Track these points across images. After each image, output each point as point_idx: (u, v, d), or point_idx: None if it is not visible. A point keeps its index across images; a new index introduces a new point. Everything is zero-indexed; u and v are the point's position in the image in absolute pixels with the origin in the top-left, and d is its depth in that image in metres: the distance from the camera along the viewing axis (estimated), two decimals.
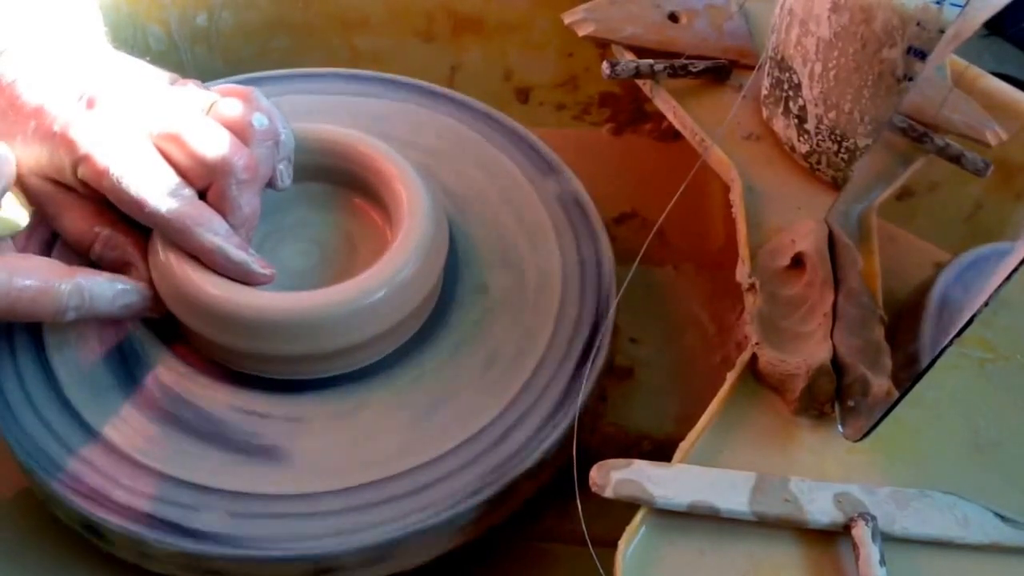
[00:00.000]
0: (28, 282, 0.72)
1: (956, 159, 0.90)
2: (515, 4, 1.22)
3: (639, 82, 1.02)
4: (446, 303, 0.86)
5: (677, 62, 0.99)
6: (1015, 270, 0.64)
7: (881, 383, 0.74)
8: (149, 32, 1.14)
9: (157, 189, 0.77)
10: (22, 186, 0.80)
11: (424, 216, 0.82)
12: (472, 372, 0.83)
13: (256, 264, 0.79)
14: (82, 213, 0.80)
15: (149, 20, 1.16)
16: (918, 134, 0.90)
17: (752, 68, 0.99)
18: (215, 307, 0.77)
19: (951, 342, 0.66)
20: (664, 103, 1.00)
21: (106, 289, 0.76)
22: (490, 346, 0.84)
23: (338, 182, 0.88)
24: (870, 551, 0.67)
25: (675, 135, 1.04)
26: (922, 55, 0.82)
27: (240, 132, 0.80)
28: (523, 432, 0.79)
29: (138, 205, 0.76)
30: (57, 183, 0.80)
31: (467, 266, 0.89)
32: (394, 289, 0.79)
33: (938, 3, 0.80)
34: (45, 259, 0.76)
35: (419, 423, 0.80)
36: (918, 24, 0.81)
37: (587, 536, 0.71)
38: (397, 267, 0.79)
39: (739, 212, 0.89)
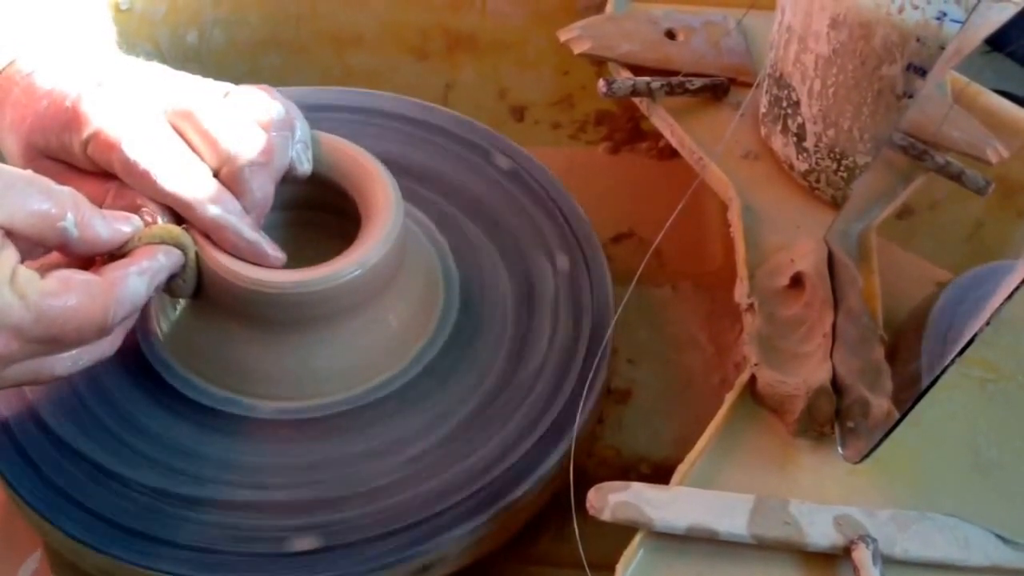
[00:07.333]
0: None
1: (957, 177, 0.90)
2: (510, 21, 1.22)
3: (636, 100, 1.02)
4: (440, 325, 0.86)
5: (674, 80, 0.99)
6: (1016, 289, 0.64)
7: (881, 404, 0.74)
8: (140, 51, 1.14)
9: (168, 163, 0.75)
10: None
11: (393, 211, 0.81)
12: (467, 394, 0.82)
13: (269, 245, 0.78)
14: (91, 185, 0.76)
15: (139, 38, 1.16)
16: (918, 152, 0.89)
17: (750, 85, 0.99)
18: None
19: (952, 362, 0.66)
20: (661, 121, 1.00)
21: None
22: (485, 368, 0.84)
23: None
24: (871, 574, 0.67)
25: (672, 154, 1.04)
26: (922, 72, 0.82)
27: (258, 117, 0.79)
28: (520, 455, 0.79)
29: (148, 179, 0.74)
30: (65, 163, 0.78)
31: (461, 287, 0.89)
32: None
33: (938, 19, 0.80)
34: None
35: (413, 448, 0.79)
36: (918, 40, 0.81)
37: (584, 560, 0.71)
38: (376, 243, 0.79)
39: (737, 231, 0.88)
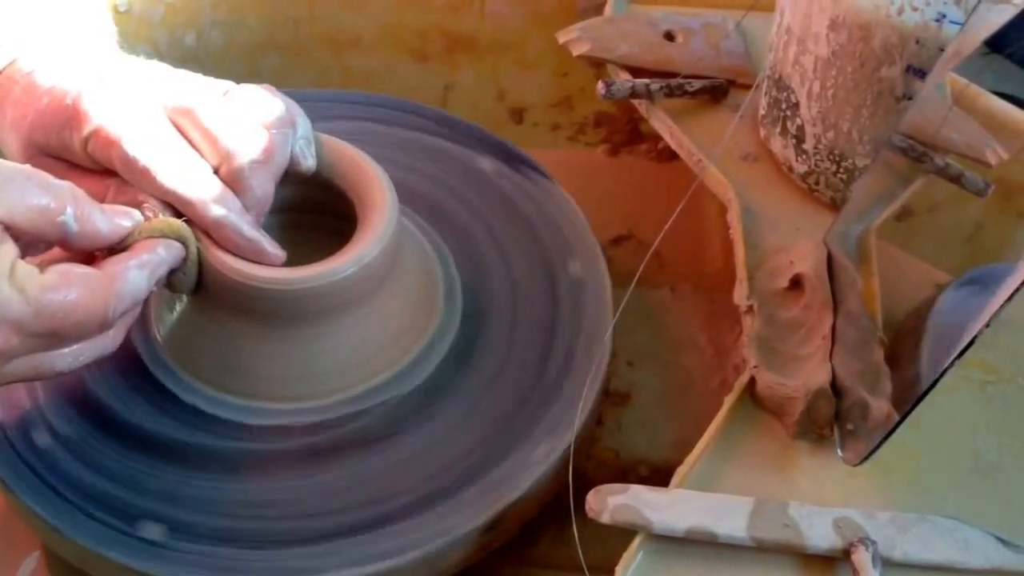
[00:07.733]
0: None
1: (956, 179, 0.89)
2: (509, 23, 1.21)
3: (635, 102, 1.02)
4: (439, 327, 0.85)
5: (673, 81, 0.99)
6: (1016, 291, 0.64)
7: (881, 406, 0.74)
8: (138, 52, 1.12)
9: (168, 161, 0.74)
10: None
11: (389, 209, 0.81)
12: (465, 395, 0.82)
13: (268, 243, 0.77)
14: (91, 182, 0.75)
15: (137, 40, 1.15)
16: (918, 154, 0.89)
17: (749, 87, 0.99)
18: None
19: (952, 364, 0.66)
20: (660, 123, 1.00)
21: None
22: (484, 370, 0.84)
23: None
24: None
25: (671, 156, 1.04)
26: (922, 73, 0.82)
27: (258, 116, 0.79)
28: (519, 457, 0.78)
29: (148, 176, 0.74)
30: (66, 161, 0.78)
31: (461, 288, 0.88)
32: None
33: (937, 21, 0.79)
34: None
35: (412, 449, 0.79)
36: (917, 42, 0.80)
37: (584, 562, 0.70)
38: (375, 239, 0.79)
39: (737, 233, 0.88)
